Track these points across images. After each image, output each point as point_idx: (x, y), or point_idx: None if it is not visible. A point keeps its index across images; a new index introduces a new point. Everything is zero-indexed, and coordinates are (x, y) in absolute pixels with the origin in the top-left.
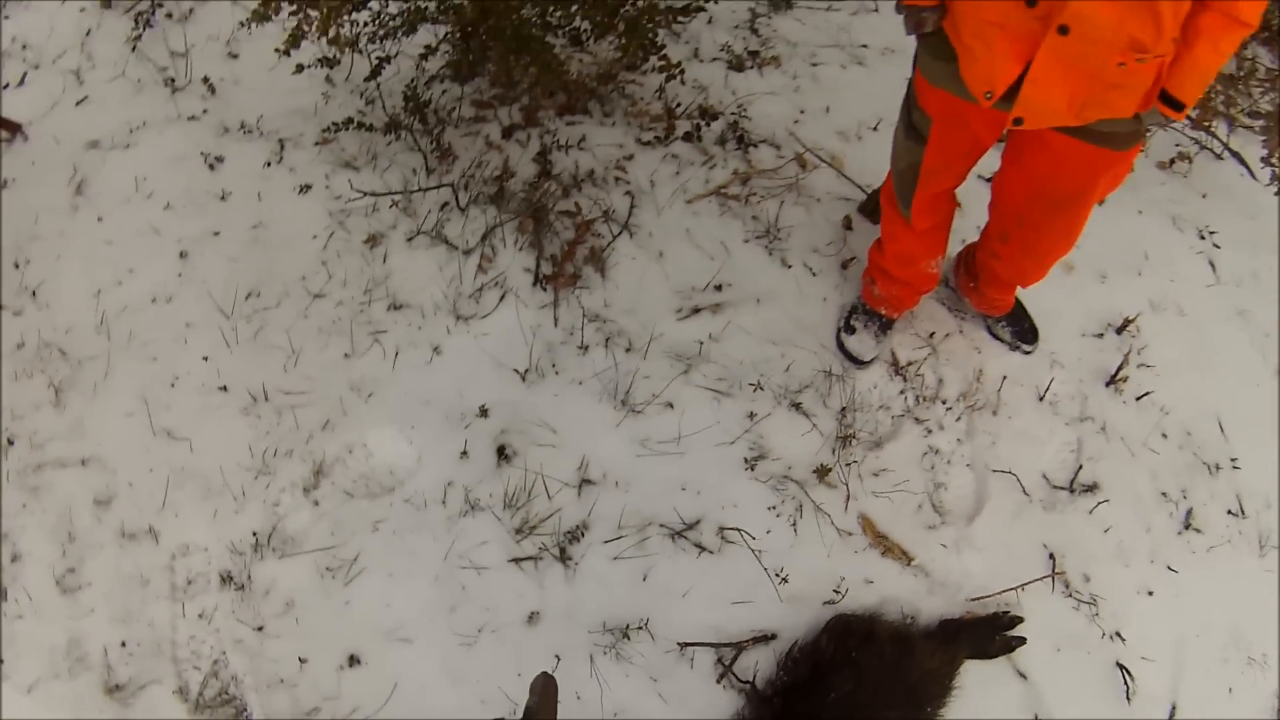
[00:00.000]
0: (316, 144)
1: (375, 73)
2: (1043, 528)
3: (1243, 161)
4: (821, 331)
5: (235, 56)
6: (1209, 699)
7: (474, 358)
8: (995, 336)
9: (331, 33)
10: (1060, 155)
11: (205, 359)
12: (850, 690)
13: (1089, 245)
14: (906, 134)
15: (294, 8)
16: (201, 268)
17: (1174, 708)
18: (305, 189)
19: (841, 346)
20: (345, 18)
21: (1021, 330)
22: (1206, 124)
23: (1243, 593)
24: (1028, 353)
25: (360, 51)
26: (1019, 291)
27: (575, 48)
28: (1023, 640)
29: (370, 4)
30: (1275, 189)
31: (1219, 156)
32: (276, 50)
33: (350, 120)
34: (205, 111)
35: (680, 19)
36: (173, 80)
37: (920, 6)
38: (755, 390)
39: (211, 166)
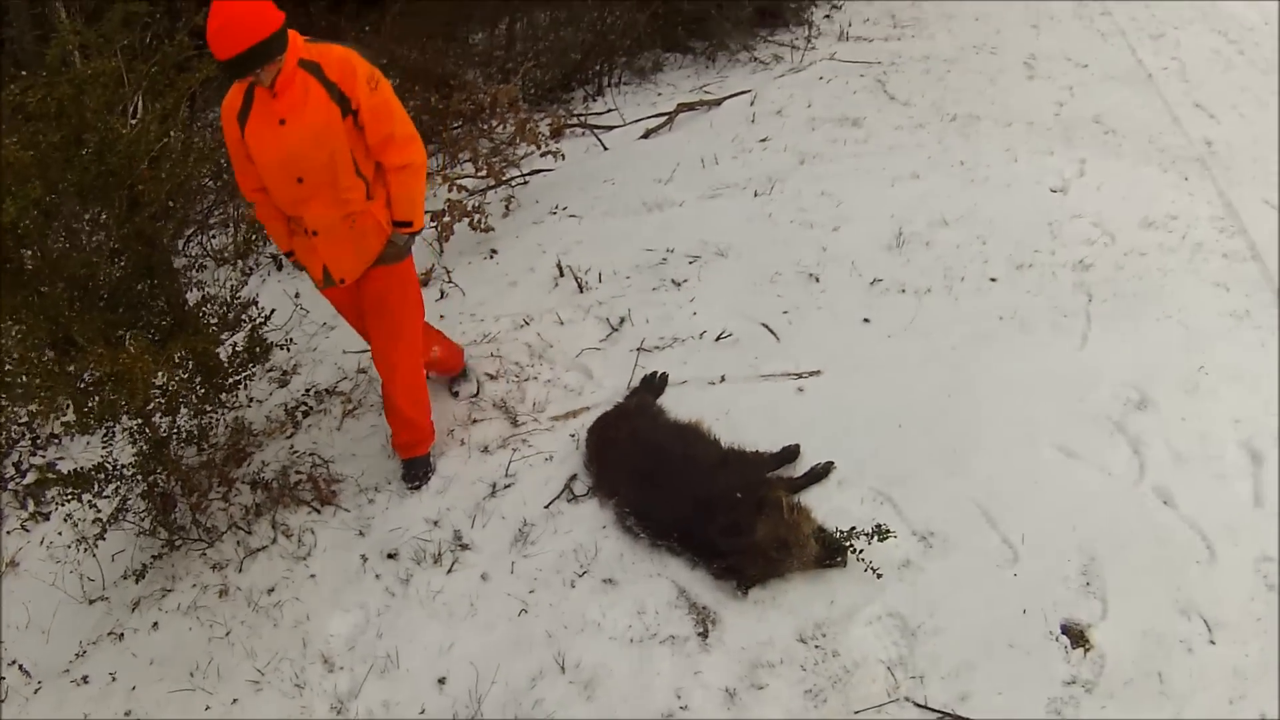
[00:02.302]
0: (134, 609)
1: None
2: (618, 352)
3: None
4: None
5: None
6: None
7: (342, 552)
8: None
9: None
10: (373, 284)
11: None
12: (626, 438)
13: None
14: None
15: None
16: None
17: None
18: (155, 626)
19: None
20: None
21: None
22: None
23: None
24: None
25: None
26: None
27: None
28: (666, 374)
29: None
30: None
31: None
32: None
33: (144, 566)
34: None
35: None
36: None
37: (296, 263)
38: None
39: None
